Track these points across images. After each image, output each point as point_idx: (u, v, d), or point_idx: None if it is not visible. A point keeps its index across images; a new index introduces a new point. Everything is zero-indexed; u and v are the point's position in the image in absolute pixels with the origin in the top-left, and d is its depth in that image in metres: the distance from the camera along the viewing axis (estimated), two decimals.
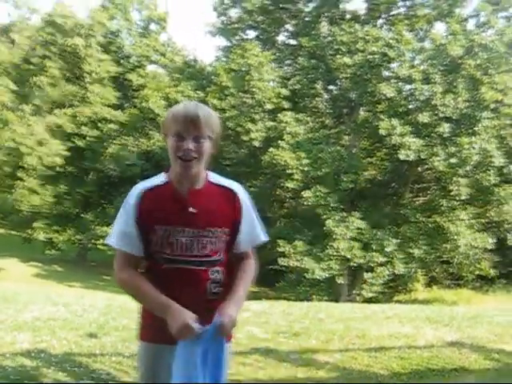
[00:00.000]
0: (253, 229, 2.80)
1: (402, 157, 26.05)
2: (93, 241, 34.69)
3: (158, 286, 2.65)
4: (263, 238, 2.85)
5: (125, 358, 5.83)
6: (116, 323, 7.26)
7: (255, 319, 7.69)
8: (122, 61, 38.80)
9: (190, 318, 2.52)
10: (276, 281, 28.91)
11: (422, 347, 6.43)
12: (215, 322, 2.54)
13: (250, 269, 2.84)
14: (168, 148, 2.64)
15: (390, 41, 27.68)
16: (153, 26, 41.03)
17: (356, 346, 6.46)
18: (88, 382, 5.12)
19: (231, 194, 2.74)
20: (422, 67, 27.78)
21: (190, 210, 2.63)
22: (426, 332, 7.19)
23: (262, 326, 7.27)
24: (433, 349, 6.41)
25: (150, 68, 40.27)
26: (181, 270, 2.65)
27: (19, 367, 5.51)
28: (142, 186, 2.71)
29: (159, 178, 2.73)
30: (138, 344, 2.88)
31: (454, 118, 26.62)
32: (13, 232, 36.81)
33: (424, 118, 26.26)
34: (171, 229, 2.62)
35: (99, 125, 35.17)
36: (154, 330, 2.69)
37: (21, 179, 33.01)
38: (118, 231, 2.70)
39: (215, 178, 2.77)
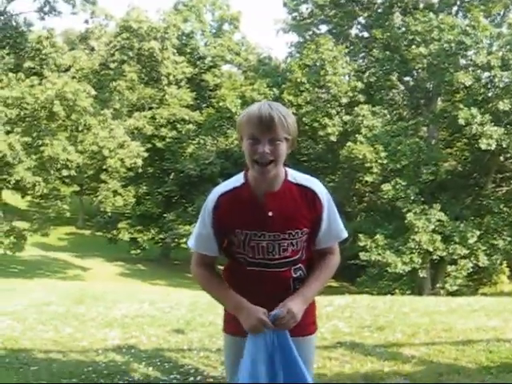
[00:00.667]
0: (334, 225, 2.78)
1: (483, 146, 25.43)
2: (176, 240, 35.31)
3: (241, 285, 2.72)
4: (344, 234, 2.83)
5: (212, 352, 5.94)
6: (202, 319, 7.41)
7: (339, 313, 7.69)
8: (197, 62, 39.38)
9: (262, 313, 2.58)
10: (357, 275, 28.74)
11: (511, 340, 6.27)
12: (272, 313, 2.57)
13: (331, 264, 2.83)
14: (244, 151, 2.62)
15: (466, 28, 27.03)
16: (226, 26, 41.45)
17: (442, 340, 6.35)
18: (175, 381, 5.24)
19: (311, 193, 2.70)
20: (500, 53, 26.98)
21: (269, 214, 2.63)
22: None
23: (346, 321, 7.26)
24: None
25: (225, 68, 40.68)
26: (265, 272, 2.71)
27: (111, 362, 5.71)
28: (219, 189, 2.74)
29: (238, 179, 2.74)
30: (222, 336, 2.98)
31: None
32: (98, 233, 37.94)
33: (504, 105, 25.53)
34: (251, 233, 2.65)
35: (178, 126, 35.83)
36: (237, 323, 2.74)
37: (104, 182, 33.96)
38: (196, 234, 2.79)
39: (294, 176, 2.73)
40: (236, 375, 2.78)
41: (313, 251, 2.81)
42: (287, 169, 2.73)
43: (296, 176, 2.73)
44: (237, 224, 2.66)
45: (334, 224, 2.78)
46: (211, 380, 5.12)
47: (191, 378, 5.17)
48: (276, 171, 2.61)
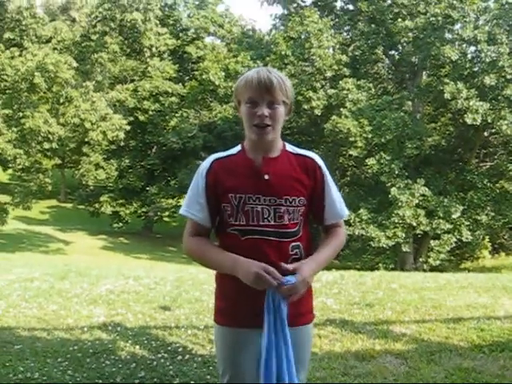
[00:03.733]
0: (338, 200, 2.71)
1: (469, 121, 25.38)
2: (158, 213, 35.21)
3: None
4: (347, 211, 2.77)
5: (199, 330, 5.86)
6: (188, 296, 7.30)
7: (327, 290, 7.62)
8: (180, 34, 38.95)
9: (257, 266, 2.42)
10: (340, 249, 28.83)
11: (502, 318, 6.24)
12: (286, 278, 2.43)
13: (340, 234, 2.74)
14: (242, 116, 2.58)
15: (453, 1, 26.80)
16: None
17: (433, 317, 6.31)
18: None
19: (311, 162, 2.65)
20: (486, 28, 26.86)
21: (265, 177, 2.54)
22: (504, 302, 6.98)
23: (334, 297, 7.19)
24: None
25: (208, 40, 40.28)
26: (261, 242, 2.53)
27: (96, 341, 5.60)
28: (214, 155, 2.67)
29: (234, 149, 2.67)
30: (214, 326, 2.81)
31: None
32: (80, 206, 37.72)
33: (491, 80, 25.45)
34: (245, 197, 2.53)
35: (160, 98, 35.50)
36: (229, 314, 2.65)
37: (86, 155, 33.65)
38: (188, 200, 2.66)
39: (292, 147, 2.69)
40: (230, 369, 2.67)
41: (320, 228, 2.73)
42: (285, 142, 2.68)
43: (295, 148, 2.70)
44: (230, 187, 2.55)
45: (338, 199, 2.71)
46: (199, 359, 5.03)
47: (179, 357, 5.09)
48: (273, 135, 2.57)
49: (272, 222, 2.54)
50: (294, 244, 2.59)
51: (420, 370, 4.72)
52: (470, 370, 4.70)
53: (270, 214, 2.53)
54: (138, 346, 5.42)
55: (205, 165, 2.63)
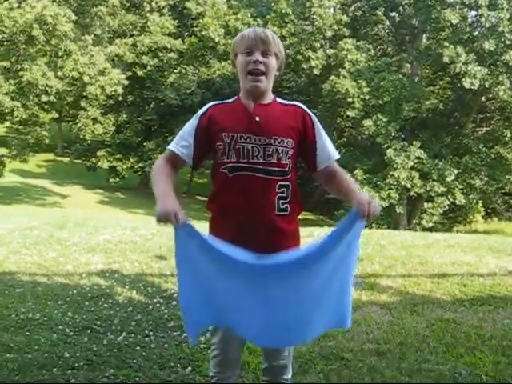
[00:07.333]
0: (330, 143, 2.87)
1: (466, 85, 25.34)
2: None
3: (226, 197, 2.73)
4: (337, 154, 2.90)
5: None
6: None
7: None
8: None
9: (171, 207, 2.49)
10: (335, 209, 29.03)
11: (485, 275, 6.47)
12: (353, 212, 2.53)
13: (344, 174, 2.90)
14: (238, 67, 2.79)
15: None
16: None
17: (418, 272, 6.54)
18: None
19: (300, 110, 2.83)
20: None
21: (256, 119, 2.73)
22: (488, 261, 7.21)
23: None
24: (495, 277, 6.43)
25: None
26: (248, 178, 2.70)
27: (95, 286, 5.82)
28: (211, 103, 2.89)
29: (230, 99, 2.89)
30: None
31: None
32: (77, 161, 37.73)
33: (490, 45, 25.35)
34: (237, 135, 2.71)
35: (159, 54, 35.24)
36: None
37: (84, 109, 33.51)
38: (177, 136, 2.83)
39: (282, 100, 2.89)
40: None
41: (318, 174, 2.86)
42: (277, 95, 2.87)
43: (284, 100, 2.91)
44: (224, 127, 2.74)
45: (329, 142, 2.87)
46: None
47: (174, 302, 5.30)
48: (267, 84, 2.78)
49: (261, 160, 2.71)
50: (281, 183, 2.74)
51: (403, 320, 4.95)
52: (450, 321, 4.93)
53: (259, 152, 2.71)
54: (134, 292, 5.64)
55: (202, 109, 2.84)
